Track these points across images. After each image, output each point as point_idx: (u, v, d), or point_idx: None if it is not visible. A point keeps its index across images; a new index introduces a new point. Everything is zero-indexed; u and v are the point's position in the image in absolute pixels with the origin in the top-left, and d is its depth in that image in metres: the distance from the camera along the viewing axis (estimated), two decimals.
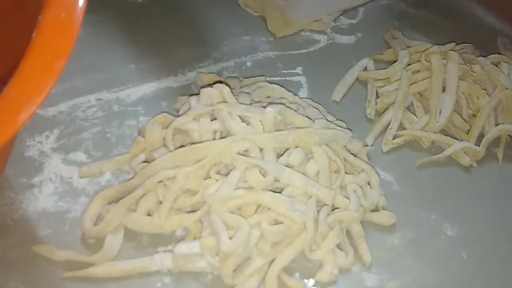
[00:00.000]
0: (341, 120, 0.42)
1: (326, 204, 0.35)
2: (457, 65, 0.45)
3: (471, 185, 0.42)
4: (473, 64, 0.46)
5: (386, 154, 0.43)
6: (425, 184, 0.42)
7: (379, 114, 0.45)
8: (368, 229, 0.37)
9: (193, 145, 0.35)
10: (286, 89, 0.43)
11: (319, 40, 0.52)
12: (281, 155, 0.36)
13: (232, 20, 0.54)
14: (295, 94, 0.44)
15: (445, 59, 0.46)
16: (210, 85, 0.40)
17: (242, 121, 0.37)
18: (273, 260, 0.33)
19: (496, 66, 0.47)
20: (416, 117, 0.45)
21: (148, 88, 0.45)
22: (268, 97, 0.42)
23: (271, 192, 0.34)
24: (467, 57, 0.48)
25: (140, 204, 0.35)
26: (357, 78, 0.48)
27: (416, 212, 0.39)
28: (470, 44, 0.50)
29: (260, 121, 0.36)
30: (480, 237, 0.39)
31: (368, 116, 0.45)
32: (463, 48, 0.50)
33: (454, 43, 0.49)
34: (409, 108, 0.45)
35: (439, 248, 0.38)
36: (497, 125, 0.44)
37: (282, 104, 0.38)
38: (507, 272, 0.37)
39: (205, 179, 0.35)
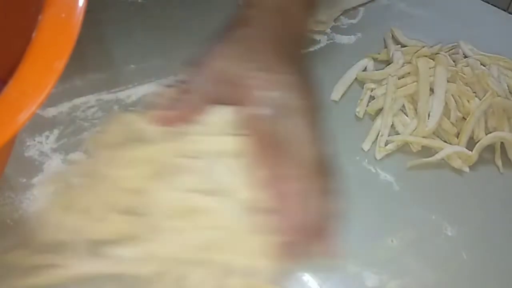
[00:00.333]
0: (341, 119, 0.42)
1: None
2: (446, 69, 0.44)
3: (471, 185, 0.42)
4: (463, 65, 0.46)
5: (386, 155, 0.43)
6: (425, 184, 0.42)
7: (372, 117, 0.45)
8: (368, 229, 0.37)
9: (138, 145, 0.34)
10: None
11: (319, 40, 0.52)
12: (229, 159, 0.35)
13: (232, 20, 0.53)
14: None
15: (434, 61, 0.45)
16: None
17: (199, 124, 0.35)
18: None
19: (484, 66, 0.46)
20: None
21: (148, 88, 0.45)
22: None
23: (210, 197, 0.33)
24: (456, 57, 0.47)
25: (80, 203, 0.34)
26: (356, 78, 0.48)
27: (416, 212, 0.39)
28: (458, 43, 0.50)
29: (213, 122, 0.35)
30: (480, 237, 0.39)
31: (357, 114, 0.45)
32: (452, 48, 0.49)
33: (441, 44, 0.49)
34: (403, 109, 0.45)
35: (439, 248, 0.38)
36: (486, 129, 0.44)
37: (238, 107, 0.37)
38: (507, 272, 0.37)
39: (149, 180, 0.34)
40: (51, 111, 0.41)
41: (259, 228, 0.33)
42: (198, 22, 0.53)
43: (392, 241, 0.37)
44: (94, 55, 0.47)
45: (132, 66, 0.47)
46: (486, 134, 0.43)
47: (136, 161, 0.34)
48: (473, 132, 0.43)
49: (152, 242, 0.32)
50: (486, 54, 0.49)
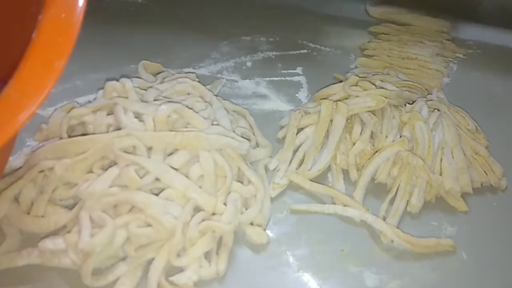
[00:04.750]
0: None
1: (203, 210, 0.33)
2: (344, 119, 0.41)
3: None
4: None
5: None
6: None
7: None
8: (370, 229, 0.37)
9: (74, 138, 0.34)
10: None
11: None
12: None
13: (232, 20, 0.54)
14: (295, 94, 0.43)
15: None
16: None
17: (138, 118, 0.35)
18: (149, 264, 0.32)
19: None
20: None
21: None
22: (189, 94, 0.40)
23: (143, 193, 0.32)
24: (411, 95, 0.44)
25: (22, 195, 0.33)
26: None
27: (417, 213, 0.39)
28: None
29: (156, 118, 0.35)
30: (480, 237, 0.39)
31: (278, 137, 0.43)
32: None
33: (354, 76, 0.45)
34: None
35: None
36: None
37: (179, 103, 0.37)
38: (507, 272, 0.37)
39: (88, 173, 0.33)
40: (51, 111, 0.41)
41: (193, 227, 0.32)
42: (199, 21, 0.53)
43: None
44: (94, 55, 0.47)
45: (132, 66, 0.47)
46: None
47: (72, 152, 0.33)
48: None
49: (77, 234, 0.31)
50: (451, 105, 0.45)
